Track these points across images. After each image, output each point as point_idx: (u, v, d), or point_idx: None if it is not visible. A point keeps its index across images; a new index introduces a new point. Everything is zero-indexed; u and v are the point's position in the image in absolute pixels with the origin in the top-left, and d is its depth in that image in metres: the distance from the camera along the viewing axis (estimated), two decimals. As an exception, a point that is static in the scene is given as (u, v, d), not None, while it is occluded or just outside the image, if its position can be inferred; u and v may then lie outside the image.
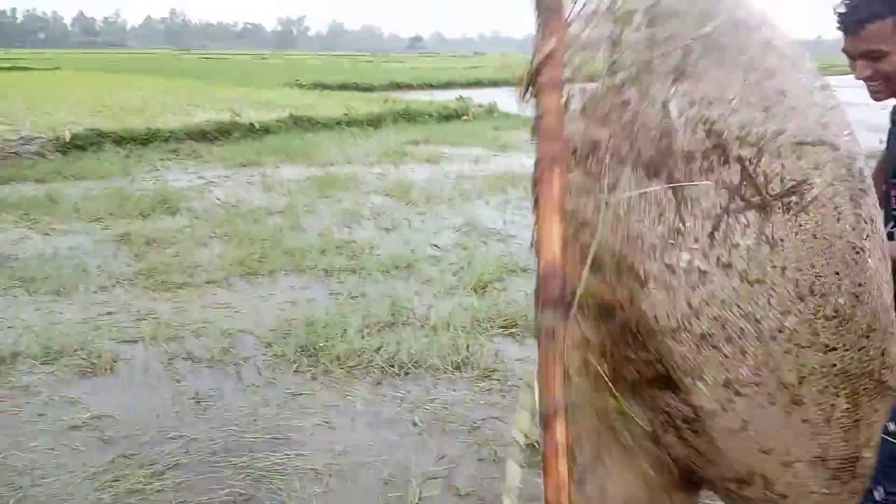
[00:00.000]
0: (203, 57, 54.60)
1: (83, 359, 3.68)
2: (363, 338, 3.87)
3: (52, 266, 5.14)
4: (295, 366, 3.62)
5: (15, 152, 9.21)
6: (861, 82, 1.65)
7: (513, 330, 4.07)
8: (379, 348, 3.76)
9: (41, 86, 18.79)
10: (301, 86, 21.14)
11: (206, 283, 4.87)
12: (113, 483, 2.67)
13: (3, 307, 4.43)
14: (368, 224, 6.54)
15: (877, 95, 1.66)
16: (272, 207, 7.08)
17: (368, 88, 22.33)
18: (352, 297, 4.56)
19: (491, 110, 15.53)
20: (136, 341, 3.94)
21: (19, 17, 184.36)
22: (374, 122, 13.09)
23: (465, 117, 14.60)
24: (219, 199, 7.27)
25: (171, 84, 20.13)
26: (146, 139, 10.15)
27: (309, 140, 11.21)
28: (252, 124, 11.37)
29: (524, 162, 9.37)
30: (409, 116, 13.89)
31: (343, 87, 22.10)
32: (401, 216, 6.81)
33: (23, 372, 3.58)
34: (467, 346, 3.78)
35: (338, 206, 7.15)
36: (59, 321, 4.20)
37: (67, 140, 9.50)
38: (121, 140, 9.93)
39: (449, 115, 14.50)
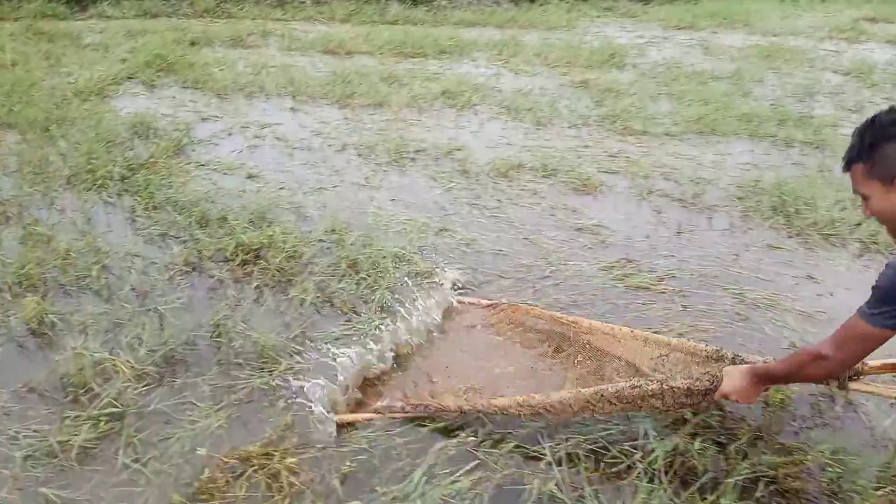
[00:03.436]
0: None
1: (574, 178, 4.30)
2: (841, 211, 3.81)
3: (529, 100, 5.92)
4: (769, 221, 3.76)
5: (475, 0, 10.38)
6: None
7: None
8: (858, 224, 3.68)
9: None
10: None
11: (665, 134, 5.16)
12: (623, 276, 3.21)
13: (497, 128, 5.30)
14: (826, 101, 6.10)
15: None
16: (717, 72, 6.98)
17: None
18: (820, 172, 4.43)
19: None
20: (614, 172, 4.45)
21: None
22: (824, -8, 11.62)
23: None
24: (664, 59, 7.39)
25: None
26: (587, -5, 10.56)
27: (748, 6, 10.50)
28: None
29: None
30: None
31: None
32: (864, 98, 6.19)
33: (527, 180, 4.34)
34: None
35: (789, 79, 6.76)
36: (546, 146, 4.91)
37: (521, -9, 10.36)
38: (565, -6, 10.49)
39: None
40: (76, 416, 2.28)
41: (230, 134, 4.97)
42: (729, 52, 7.95)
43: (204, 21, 8.61)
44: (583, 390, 2.16)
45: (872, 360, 2.03)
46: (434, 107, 5.74)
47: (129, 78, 6.06)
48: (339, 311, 2.93)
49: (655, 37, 8.80)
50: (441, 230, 3.66)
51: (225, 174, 4.28)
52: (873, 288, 1.73)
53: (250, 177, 4.27)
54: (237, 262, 3.24)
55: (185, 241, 3.45)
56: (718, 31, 9.23)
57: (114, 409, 2.31)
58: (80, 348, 2.56)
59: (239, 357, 2.61)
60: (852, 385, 2.08)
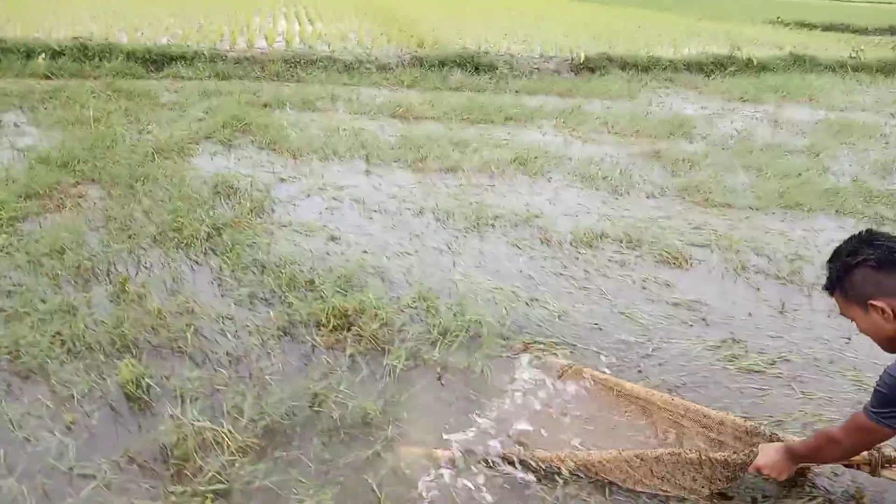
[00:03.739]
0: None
1: (662, 250, 4.18)
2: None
3: (601, 169, 5.87)
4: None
5: (537, 68, 10.53)
6: None
7: None
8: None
9: (534, 9, 20.86)
10: (783, 23, 19.57)
11: (749, 207, 5.04)
12: (731, 357, 3.04)
13: (573, 196, 5.24)
14: (910, 179, 5.92)
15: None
16: (789, 146, 6.88)
17: (861, 31, 19.60)
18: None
19: None
20: (701, 246, 4.32)
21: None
22: (887, 68, 11.54)
23: None
24: (736, 131, 7.31)
25: (659, 16, 20.44)
26: (647, 66, 10.62)
27: (810, 81, 10.44)
28: (749, 59, 11.02)
29: None
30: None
31: (829, 27, 19.79)
32: (949, 175, 6.00)
33: (612, 251, 4.23)
34: None
35: (864, 155, 6.62)
36: (627, 215, 4.81)
37: (581, 61, 10.48)
38: (625, 65, 10.58)
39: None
40: (182, 492, 2.18)
41: (308, 195, 4.99)
42: (799, 126, 7.85)
43: (274, 84, 8.84)
44: (623, 452, 2.28)
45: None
46: (506, 173, 5.71)
47: (207, 137, 6.18)
48: (439, 383, 2.83)
49: (720, 109, 8.76)
50: (531, 300, 3.55)
51: (307, 235, 4.26)
52: (875, 391, 1.90)
53: (332, 239, 4.24)
54: (329, 328, 3.16)
55: (273, 305, 3.39)
56: (783, 105, 9.17)
57: (220, 486, 2.21)
58: (179, 416, 2.48)
59: (341, 429, 2.51)
60: (885, 473, 2.22)
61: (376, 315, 3.22)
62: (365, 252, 4.08)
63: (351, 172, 5.60)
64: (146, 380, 2.71)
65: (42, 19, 11.55)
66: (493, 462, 2.37)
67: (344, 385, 2.75)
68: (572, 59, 10.67)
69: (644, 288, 3.74)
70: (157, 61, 9.25)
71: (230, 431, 2.40)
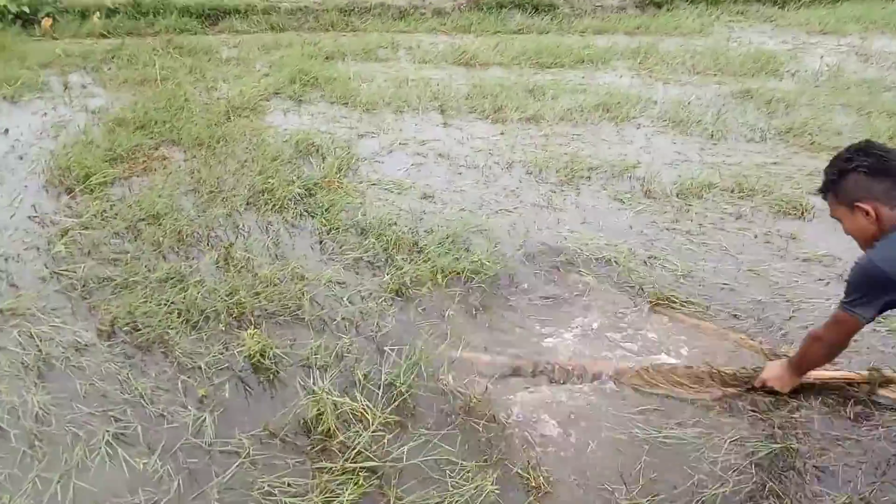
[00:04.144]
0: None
1: (778, 200, 3.92)
2: None
3: (691, 112, 5.54)
4: None
5: (599, 6, 10.02)
6: None
7: None
8: None
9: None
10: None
11: (859, 149, 4.69)
12: (881, 318, 2.81)
13: (667, 143, 4.96)
14: None
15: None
16: (885, 81, 6.42)
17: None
18: None
19: None
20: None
21: None
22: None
23: None
24: (827, 66, 6.84)
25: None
26: (716, -1, 10.03)
27: (891, 8, 9.74)
28: (826, -12, 10.31)
29: None
30: None
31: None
32: None
33: (724, 201, 3.98)
34: None
35: (973, 88, 6.13)
36: (730, 162, 4.53)
37: (647, -3, 9.94)
38: (694, -1, 10.00)
39: None
40: (331, 469, 2.09)
41: (390, 151, 4.81)
42: (891, 59, 7.32)
43: (331, 34, 8.58)
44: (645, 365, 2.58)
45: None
46: (590, 120, 5.43)
47: (276, 93, 6.01)
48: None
49: (802, 43, 8.22)
50: (650, 258, 3.35)
51: (399, 194, 4.11)
52: (846, 282, 2.13)
53: (425, 197, 4.08)
54: (444, 287, 3.03)
55: (380, 268, 3.27)
56: (867, 36, 8.56)
57: (370, 463, 2.11)
58: (312, 388, 2.39)
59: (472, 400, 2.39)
60: (882, 392, 2.43)
61: (490, 273, 3.07)
62: (462, 210, 3.91)
63: (428, 125, 5.39)
64: (272, 349, 2.62)
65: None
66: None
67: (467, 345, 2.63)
68: (637, -5, 10.12)
69: (768, 242, 3.51)
70: (210, 16, 9.05)
71: (368, 406, 2.30)
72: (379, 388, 2.42)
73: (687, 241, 3.53)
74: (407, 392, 2.40)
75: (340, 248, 3.45)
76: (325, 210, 3.80)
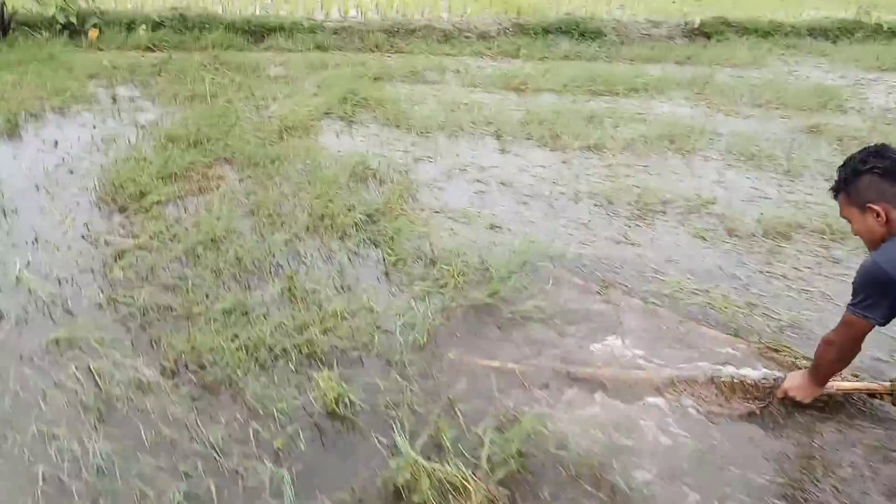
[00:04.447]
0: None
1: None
2: None
3: (760, 147, 5.29)
4: None
5: (647, 34, 9.83)
6: None
7: None
8: None
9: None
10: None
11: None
12: None
13: (741, 179, 4.70)
14: None
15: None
16: (961, 120, 6.14)
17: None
18: None
19: None
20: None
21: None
22: None
23: None
24: (889, 103, 6.58)
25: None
26: (768, 31, 9.81)
27: (953, 47, 9.47)
28: (880, 25, 10.05)
29: None
30: None
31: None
32: None
33: (817, 244, 3.72)
34: None
35: None
36: (812, 201, 4.27)
37: (696, 26, 9.74)
38: (744, 30, 9.78)
39: None
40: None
41: (449, 177, 4.60)
42: (960, 96, 7.04)
43: (376, 55, 8.46)
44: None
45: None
46: (655, 151, 5.20)
47: (327, 114, 5.85)
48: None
49: (861, 78, 7.95)
50: (748, 304, 3.09)
51: (464, 224, 3.89)
52: (852, 284, 2.16)
53: (492, 227, 3.86)
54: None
55: (454, 299, 3.03)
56: (929, 71, 8.30)
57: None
58: (398, 446, 2.14)
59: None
60: None
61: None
62: (532, 242, 3.67)
63: (484, 151, 5.18)
64: (348, 396, 2.39)
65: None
66: None
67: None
68: (685, 24, 9.93)
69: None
70: (255, 32, 8.98)
71: (469, 474, 2.05)
72: (480, 456, 2.15)
73: (785, 287, 3.26)
74: (516, 457, 2.14)
75: (409, 280, 3.22)
76: (390, 239, 3.58)
